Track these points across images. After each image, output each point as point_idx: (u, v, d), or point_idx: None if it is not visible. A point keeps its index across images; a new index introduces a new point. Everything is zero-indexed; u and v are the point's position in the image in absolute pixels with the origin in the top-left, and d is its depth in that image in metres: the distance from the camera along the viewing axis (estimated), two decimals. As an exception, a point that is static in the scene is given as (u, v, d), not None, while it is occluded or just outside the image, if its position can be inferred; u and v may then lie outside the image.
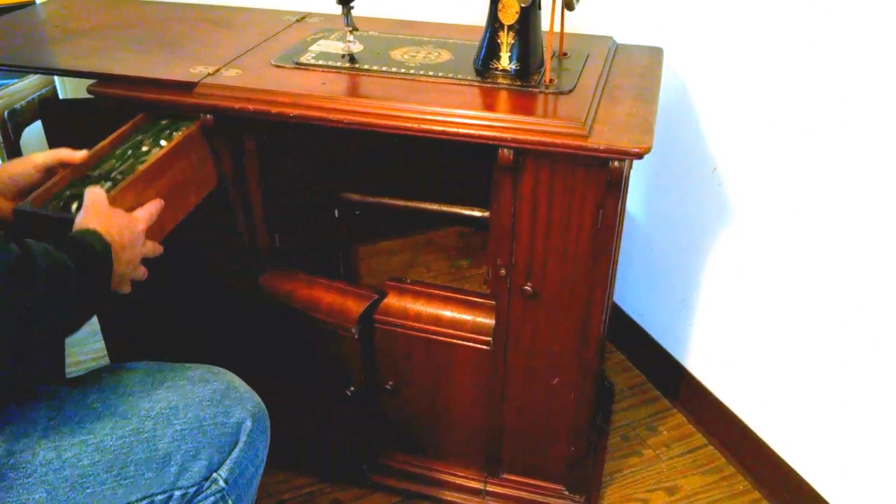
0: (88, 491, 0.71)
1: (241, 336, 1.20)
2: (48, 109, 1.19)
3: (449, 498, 1.25)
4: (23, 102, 1.31)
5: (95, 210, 0.77)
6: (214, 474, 0.77)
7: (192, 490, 0.76)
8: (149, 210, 0.84)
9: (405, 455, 1.26)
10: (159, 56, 1.06)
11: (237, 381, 0.83)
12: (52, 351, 0.97)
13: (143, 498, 0.73)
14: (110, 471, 0.72)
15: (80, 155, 0.87)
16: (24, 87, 1.35)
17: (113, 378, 0.79)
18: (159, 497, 0.74)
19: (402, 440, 1.25)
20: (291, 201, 1.18)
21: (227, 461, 0.78)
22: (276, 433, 0.90)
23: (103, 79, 1.00)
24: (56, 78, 1.37)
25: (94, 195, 0.78)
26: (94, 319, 1.45)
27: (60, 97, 1.37)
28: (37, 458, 0.70)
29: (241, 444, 0.79)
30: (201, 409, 0.77)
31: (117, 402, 0.75)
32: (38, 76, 1.38)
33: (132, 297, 0.81)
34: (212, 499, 0.77)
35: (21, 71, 1.29)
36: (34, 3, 1.34)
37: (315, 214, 1.26)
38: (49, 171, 0.86)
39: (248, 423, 0.80)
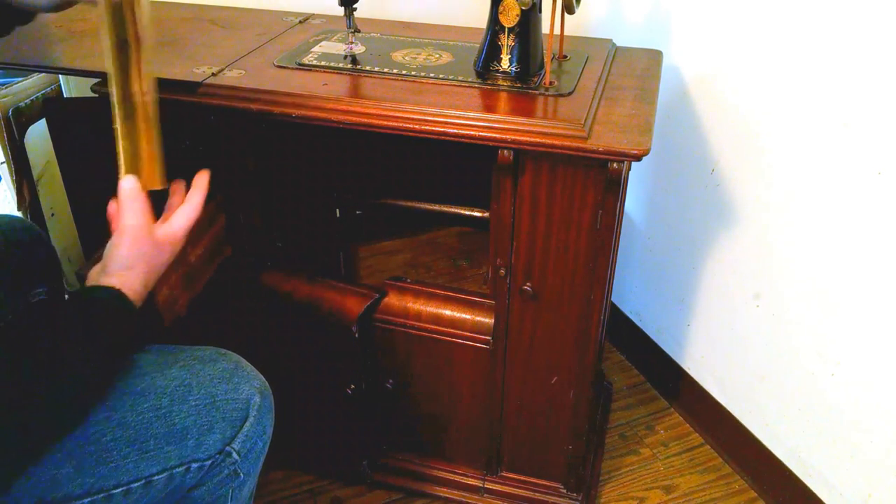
0: (112, 465, 0.73)
1: (242, 335, 1.20)
2: (53, 108, 1.19)
3: (448, 495, 1.26)
4: (27, 101, 1.31)
5: (132, 247, 0.79)
6: (228, 447, 0.79)
7: (207, 463, 0.78)
8: (190, 216, 0.84)
9: (405, 453, 1.27)
10: (162, 56, 1.07)
11: (243, 361, 0.86)
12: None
13: (164, 470, 0.76)
14: (132, 445, 0.74)
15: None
16: (29, 86, 1.36)
17: (126, 360, 0.81)
18: (178, 469, 0.77)
19: (403, 438, 1.26)
20: (292, 201, 1.19)
21: (240, 435, 0.80)
22: (276, 431, 0.91)
23: (107, 78, 1.01)
24: (61, 77, 1.38)
25: (134, 228, 0.79)
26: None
27: (65, 96, 1.37)
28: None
29: (251, 419, 0.81)
30: (213, 386, 0.80)
31: (133, 381, 0.78)
32: (42, 75, 1.39)
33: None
34: (226, 471, 0.80)
35: (25, 70, 1.30)
36: (38, 2, 1.35)
37: (315, 214, 1.27)
38: None
39: (257, 399, 0.82)
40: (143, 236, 0.79)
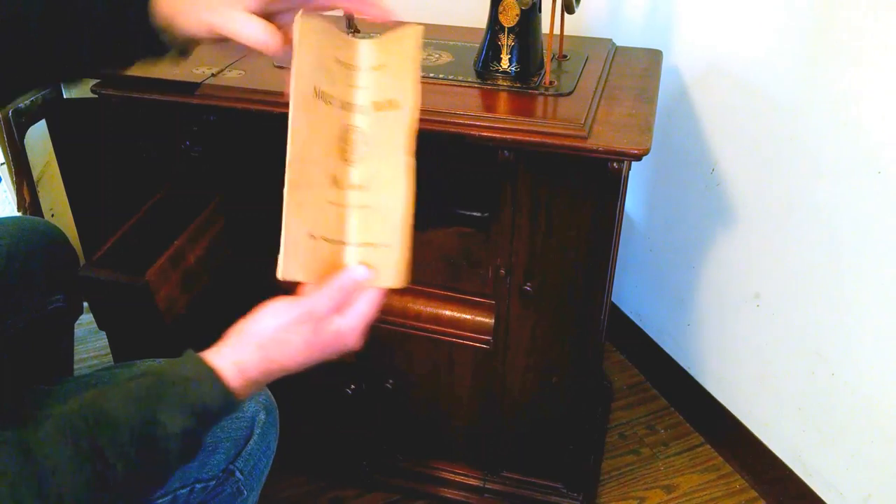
0: None
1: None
2: (52, 109, 1.19)
3: (449, 496, 1.26)
4: (27, 102, 1.31)
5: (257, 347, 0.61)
6: (231, 466, 0.78)
7: (211, 483, 0.77)
8: (366, 312, 0.62)
9: (405, 453, 1.27)
10: (162, 57, 1.07)
11: None
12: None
13: (167, 493, 0.74)
14: None
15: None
16: (28, 87, 1.36)
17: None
18: (182, 491, 0.75)
19: (403, 438, 1.26)
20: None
21: (243, 453, 0.79)
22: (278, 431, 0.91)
23: (107, 79, 1.01)
24: (60, 78, 1.38)
25: (252, 337, 0.61)
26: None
27: (65, 97, 1.38)
28: None
29: (255, 437, 0.80)
30: None
31: None
32: (41, 76, 1.39)
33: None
34: (230, 489, 0.79)
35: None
36: (38, 3, 1.35)
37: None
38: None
39: (262, 416, 0.81)
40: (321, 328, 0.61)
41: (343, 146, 0.63)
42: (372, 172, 0.63)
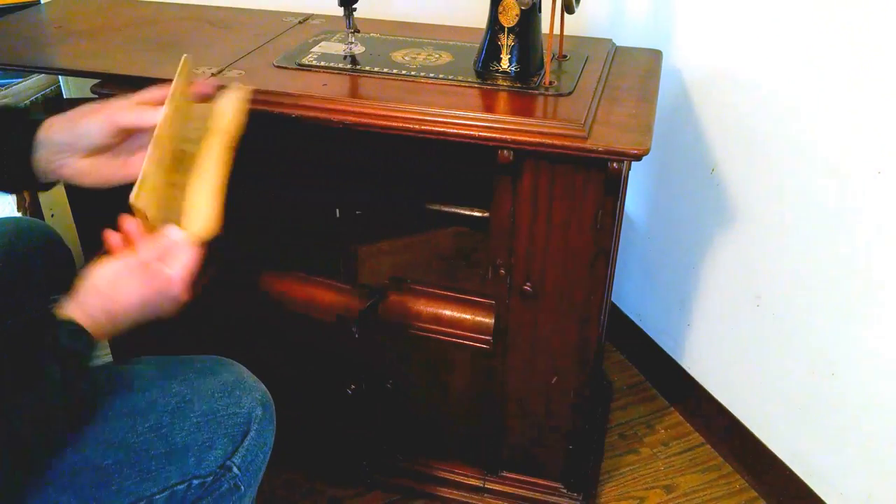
0: (113, 488, 0.72)
1: (242, 335, 1.20)
2: (52, 109, 1.19)
3: (448, 496, 1.26)
4: (27, 101, 1.31)
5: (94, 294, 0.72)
6: (228, 461, 0.78)
7: (209, 479, 0.77)
8: (187, 263, 0.76)
9: (405, 453, 1.27)
10: (163, 57, 1.07)
11: (244, 371, 0.85)
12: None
13: (165, 489, 0.75)
14: (133, 467, 0.73)
15: (150, 121, 0.78)
16: (29, 87, 1.36)
17: (126, 376, 0.80)
18: (179, 487, 0.75)
19: (402, 438, 1.26)
20: (291, 201, 1.19)
21: (240, 449, 0.79)
22: (276, 431, 0.91)
23: (107, 79, 1.01)
24: (60, 77, 1.38)
25: (89, 283, 0.72)
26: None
27: (65, 96, 1.38)
28: (65, 460, 0.71)
29: (252, 433, 0.80)
30: (214, 401, 0.79)
31: (133, 399, 0.77)
32: (42, 75, 1.39)
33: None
34: (227, 485, 0.79)
35: (25, 70, 1.30)
36: (38, 2, 1.35)
37: (315, 214, 1.27)
38: (125, 133, 0.81)
39: (259, 412, 0.81)
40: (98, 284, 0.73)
41: (179, 159, 0.82)
42: (194, 175, 0.82)
